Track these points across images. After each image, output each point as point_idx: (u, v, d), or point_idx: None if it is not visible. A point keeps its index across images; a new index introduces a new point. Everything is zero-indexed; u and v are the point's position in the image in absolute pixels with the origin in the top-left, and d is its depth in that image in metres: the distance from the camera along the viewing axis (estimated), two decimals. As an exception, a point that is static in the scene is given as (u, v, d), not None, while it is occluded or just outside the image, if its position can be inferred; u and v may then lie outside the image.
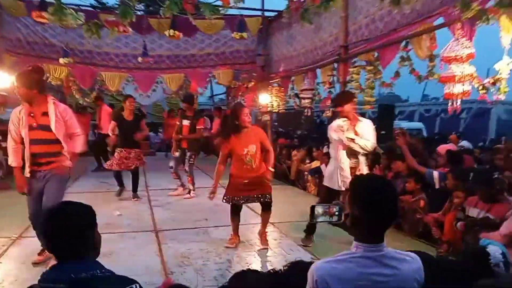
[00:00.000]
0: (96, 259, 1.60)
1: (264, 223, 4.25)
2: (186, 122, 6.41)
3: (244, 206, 4.31)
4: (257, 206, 4.35)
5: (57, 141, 3.52)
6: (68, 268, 1.45)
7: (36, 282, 1.57)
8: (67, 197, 5.74)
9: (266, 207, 4.18)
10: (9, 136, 3.55)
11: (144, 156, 6.42)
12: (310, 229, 4.26)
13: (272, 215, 5.15)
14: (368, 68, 5.29)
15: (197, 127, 6.39)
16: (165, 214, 5.40)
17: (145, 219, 5.15)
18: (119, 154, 6.05)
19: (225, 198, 4.11)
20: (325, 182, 4.25)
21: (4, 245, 4.07)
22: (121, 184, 6.29)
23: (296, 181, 8.08)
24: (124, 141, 6.08)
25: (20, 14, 8.28)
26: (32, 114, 3.46)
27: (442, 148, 5.57)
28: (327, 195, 4.16)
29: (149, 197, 6.37)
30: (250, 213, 5.12)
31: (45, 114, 3.48)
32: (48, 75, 8.68)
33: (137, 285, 1.49)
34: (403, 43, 4.71)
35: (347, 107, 4.02)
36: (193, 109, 6.56)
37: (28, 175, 3.52)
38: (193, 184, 6.51)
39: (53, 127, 3.47)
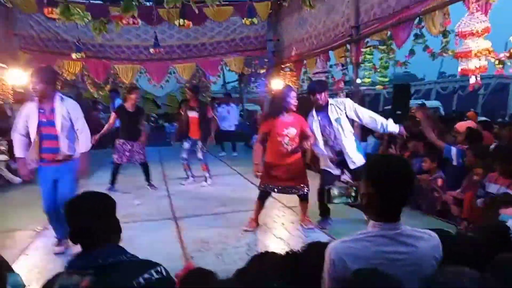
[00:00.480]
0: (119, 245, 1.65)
1: (304, 210, 4.31)
2: (193, 114, 6.35)
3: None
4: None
5: (64, 138, 3.62)
6: (94, 255, 1.50)
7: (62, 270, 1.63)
8: (85, 189, 5.92)
9: (302, 198, 4.24)
10: (15, 128, 3.62)
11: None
12: (324, 211, 4.27)
13: (288, 199, 5.20)
14: (381, 47, 5.20)
15: (209, 115, 6.41)
16: (183, 202, 5.47)
17: (164, 208, 5.24)
18: (122, 147, 6.05)
19: (261, 186, 4.17)
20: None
21: (30, 237, 4.20)
22: (112, 182, 6.16)
23: (312, 164, 8.06)
24: (126, 133, 6.06)
25: (31, 11, 8.39)
26: (42, 110, 3.56)
27: (461, 126, 5.46)
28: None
29: (167, 186, 6.45)
30: (269, 199, 5.14)
31: (53, 110, 3.58)
32: (63, 70, 8.84)
33: (162, 267, 1.54)
34: (416, 20, 4.60)
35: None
36: (197, 100, 6.48)
37: (37, 165, 3.66)
38: (208, 171, 6.54)
39: (58, 122, 3.57)
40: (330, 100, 4.19)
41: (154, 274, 1.50)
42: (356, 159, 4.09)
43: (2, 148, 1.76)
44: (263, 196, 4.23)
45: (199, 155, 6.47)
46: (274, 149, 4.10)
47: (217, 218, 4.71)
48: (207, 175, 6.55)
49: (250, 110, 16.15)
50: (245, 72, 10.88)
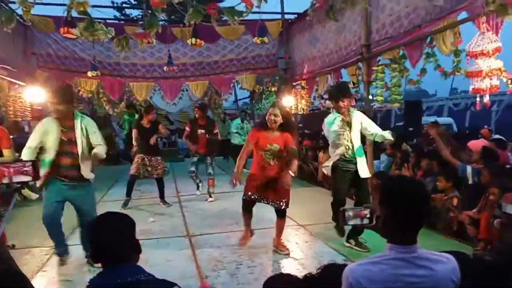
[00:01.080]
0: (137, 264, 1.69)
1: (279, 231, 4.21)
2: (202, 131, 6.62)
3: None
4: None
5: (79, 155, 3.68)
6: (114, 274, 1.54)
7: (79, 286, 1.67)
8: (102, 205, 5.99)
9: (280, 215, 4.16)
10: (29, 144, 3.63)
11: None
12: (340, 230, 4.24)
13: (301, 217, 5.20)
14: (393, 66, 5.23)
15: (215, 131, 6.68)
16: (197, 219, 5.50)
17: (178, 225, 5.27)
18: (140, 161, 6.21)
19: (243, 197, 4.15)
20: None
21: (47, 254, 4.26)
22: (128, 194, 6.32)
23: (324, 182, 8.05)
24: (145, 148, 6.25)
25: (49, 29, 8.63)
26: (62, 129, 3.64)
27: (473, 144, 5.42)
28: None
29: (180, 203, 6.49)
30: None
31: (72, 128, 3.67)
32: (79, 88, 9.03)
33: (177, 287, 1.57)
34: (428, 39, 4.63)
35: (347, 102, 4.09)
36: (205, 118, 6.80)
37: (45, 180, 3.63)
38: (213, 187, 6.78)
39: (78, 141, 3.66)
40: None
41: None
42: (366, 170, 4.20)
43: (27, 169, 1.81)
44: (246, 206, 4.18)
45: (210, 169, 6.68)
46: (258, 162, 4.12)
47: (230, 237, 4.71)
48: (211, 190, 6.70)
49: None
50: (256, 89, 10.98)
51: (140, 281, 1.55)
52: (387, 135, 4.03)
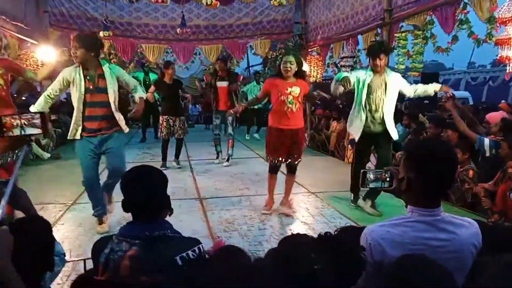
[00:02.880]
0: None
1: (288, 188, 4.27)
2: (223, 84, 6.29)
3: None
4: (298, 175, 4.35)
5: (110, 104, 3.53)
6: (143, 226, 1.54)
7: (91, 242, 1.68)
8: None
9: (292, 170, 4.21)
10: (46, 91, 3.54)
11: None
12: (370, 194, 4.22)
13: (312, 185, 5.19)
14: (417, 32, 5.01)
15: (238, 82, 6.40)
16: (208, 183, 5.52)
17: (189, 188, 5.30)
18: (165, 123, 6.16)
19: (268, 158, 4.17)
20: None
21: (60, 210, 4.33)
22: (164, 158, 6.33)
23: (336, 151, 8.00)
24: (168, 108, 6.17)
25: (62, -12, 8.46)
26: (88, 77, 3.45)
27: (492, 116, 5.27)
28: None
29: (191, 167, 6.51)
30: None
31: (101, 76, 3.48)
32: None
33: (201, 246, 1.58)
34: (462, 4, 4.39)
35: (384, 60, 4.01)
36: (227, 69, 6.42)
37: (78, 137, 3.53)
38: (232, 148, 6.57)
39: (109, 90, 3.49)
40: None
41: (191, 253, 1.53)
42: (395, 132, 4.20)
43: (35, 121, 1.76)
44: (272, 169, 4.21)
45: (229, 129, 6.46)
46: (278, 111, 4.00)
47: (241, 200, 4.73)
48: (230, 152, 6.56)
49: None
50: (269, 55, 10.76)
51: (167, 236, 1.55)
52: (436, 86, 4.18)
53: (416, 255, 1.31)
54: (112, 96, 3.52)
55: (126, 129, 3.67)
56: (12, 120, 1.89)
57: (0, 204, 1.67)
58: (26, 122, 1.89)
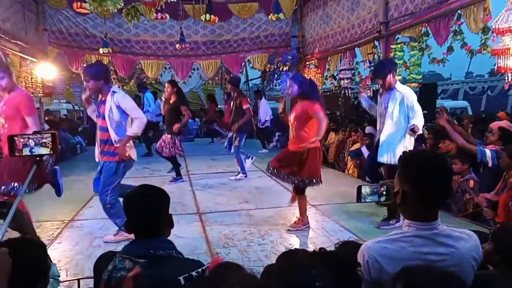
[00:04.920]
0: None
1: (299, 209, 4.15)
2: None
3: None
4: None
5: (108, 130, 3.68)
6: (147, 245, 1.53)
7: (88, 261, 1.64)
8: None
9: (297, 192, 4.10)
10: None
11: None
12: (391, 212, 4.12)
13: (313, 197, 5.13)
14: (413, 44, 5.05)
15: (243, 106, 6.33)
16: (207, 197, 5.48)
17: (188, 202, 5.25)
18: (162, 139, 6.20)
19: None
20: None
21: (58, 227, 4.28)
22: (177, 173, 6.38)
23: (335, 163, 7.97)
24: (166, 126, 6.25)
25: (61, 6, 8.59)
26: (98, 102, 3.78)
27: (495, 125, 5.25)
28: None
29: (190, 181, 6.47)
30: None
31: (103, 102, 3.69)
32: (90, 65, 8.98)
33: (205, 268, 1.54)
34: (456, 15, 4.43)
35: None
36: (238, 91, 6.55)
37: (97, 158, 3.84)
38: (241, 167, 6.51)
39: (106, 115, 3.64)
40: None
41: (194, 274, 1.51)
42: (385, 154, 4.05)
43: (45, 141, 1.72)
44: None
45: (232, 149, 6.53)
46: None
47: (241, 215, 4.68)
48: (239, 169, 6.56)
49: (272, 108, 16.09)
50: (267, 69, 10.84)
51: (171, 256, 1.55)
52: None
53: (419, 266, 1.27)
54: (108, 122, 3.64)
55: (122, 153, 3.69)
56: (22, 140, 1.88)
57: (2, 226, 1.65)
58: (36, 142, 1.88)
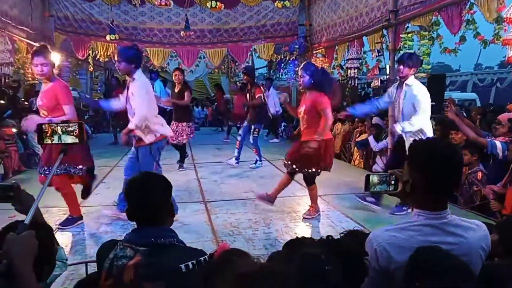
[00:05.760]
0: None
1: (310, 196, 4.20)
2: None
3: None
4: (302, 178, 4.27)
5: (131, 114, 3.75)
6: (148, 233, 1.53)
7: (94, 246, 1.65)
8: (118, 170, 6.04)
9: (305, 181, 4.13)
10: None
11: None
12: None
13: (318, 187, 5.11)
14: (423, 33, 4.96)
15: (256, 95, 6.37)
16: (212, 186, 5.49)
17: (194, 191, 5.26)
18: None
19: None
20: None
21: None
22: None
23: (342, 153, 7.94)
24: (174, 114, 6.26)
25: (67, -9, 8.54)
26: (127, 86, 3.83)
27: (504, 117, 5.19)
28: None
29: (196, 170, 6.48)
30: (297, 186, 5.08)
31: (127, 87, 3.79)
32: (96, 52, 8.97)
33: (206, 258, 1.55)
34: (468, 4, 4.34)
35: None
36: (252, 81, 6.57)
37: None
38: (259, 155, 6.61)
39: (129, 100, 3.74)
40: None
41: (195, 262, 1.52)
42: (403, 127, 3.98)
43: (71, 129, 1.73)
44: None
45: (250, 139, 6.62)
46: None
47: (246, 204, 4.68)
48: (257, 157, 6.64)
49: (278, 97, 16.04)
50: (274, 59, 10.76)
51: (172, 244, 1.54)
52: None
53: (431, 247, 1.27)
54: (130, 108, 3.73)
55: (146, 141, 3.77)
56: (51, 128, 1.90)
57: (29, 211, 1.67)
58: (63, 130, 1.90)
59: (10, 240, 1.24)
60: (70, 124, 1.89)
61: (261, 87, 6.74)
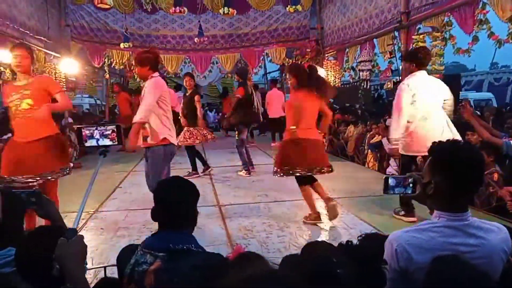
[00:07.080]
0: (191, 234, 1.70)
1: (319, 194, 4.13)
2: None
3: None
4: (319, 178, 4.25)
5: None
6: (167, 238, 1.56)
7: (113, 250, 1.70)
8: (134, 175, 6.13)
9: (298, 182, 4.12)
10: None
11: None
12: (405, 204, 4.07)
13: (332, 190, 5.12)
14: (435, 34, 4.93)
15: (236, 95, 6.36)
16: (227, 190, 5.53)
17: (208, 195, 5.31)
18: (184, 133, 6.17)
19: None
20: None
21: (83, 218, 4.40)
22: (204, 164, 6.41)
23: (355, 156, 7.91)
24: (186, 119, 6.22)
25: (82, 2, 8.75)
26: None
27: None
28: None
29: (210, 175, 6.54)
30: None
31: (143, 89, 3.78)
32: (111, 60, 9.15)
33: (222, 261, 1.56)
34: (480, 4, 4.30)
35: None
36: (240, 81, 6.43)
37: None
38: (242, 163, 6.40)
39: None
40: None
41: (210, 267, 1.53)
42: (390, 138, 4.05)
43: (108, 132, 1.79)
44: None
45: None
46: None
47: (260, 207, 4.71)
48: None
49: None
50: (286, 62, 10.79)
51: (191, 250, 1.56)
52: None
53: (450, 256, 1.27)
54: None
55: (148, 138, 3.70)
56: (88, 132, 1.96)
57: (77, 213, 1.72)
58: (101, 133, 1.96)
59: (63, 245, 1.28)
60: (108, 128, 1.95)
61: (247, 87, 6.36)
